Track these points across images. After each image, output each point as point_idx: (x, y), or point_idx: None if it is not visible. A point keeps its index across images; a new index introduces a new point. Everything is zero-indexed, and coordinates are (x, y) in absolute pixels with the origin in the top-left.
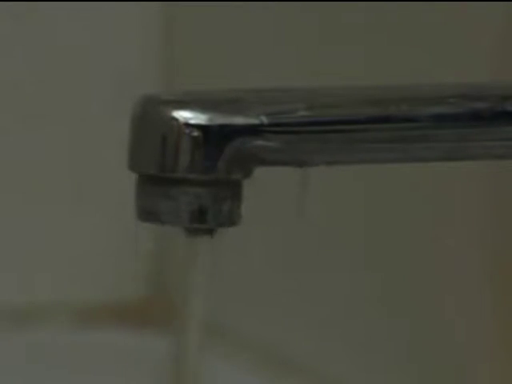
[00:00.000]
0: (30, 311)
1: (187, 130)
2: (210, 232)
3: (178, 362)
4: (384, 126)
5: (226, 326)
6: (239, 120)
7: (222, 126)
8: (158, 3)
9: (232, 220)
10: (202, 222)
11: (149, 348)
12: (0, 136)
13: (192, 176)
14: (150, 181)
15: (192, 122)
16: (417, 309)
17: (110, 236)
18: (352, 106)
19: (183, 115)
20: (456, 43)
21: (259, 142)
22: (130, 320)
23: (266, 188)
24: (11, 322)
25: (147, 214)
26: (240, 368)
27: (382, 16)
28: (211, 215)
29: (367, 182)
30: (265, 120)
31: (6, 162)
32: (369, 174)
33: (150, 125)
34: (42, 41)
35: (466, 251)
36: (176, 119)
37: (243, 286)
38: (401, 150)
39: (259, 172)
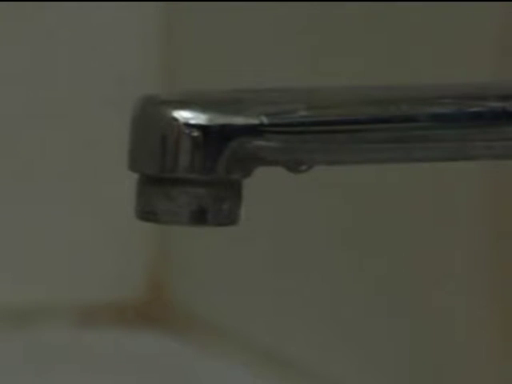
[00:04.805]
0: (29, 311)
1: (187, 130)
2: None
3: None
4: (384, 126)
5: (226, 325)
6: (239, 120)
7: (222, 126)
8: (158, 3)
9: (232, 220)
10: (202, 222)
11: (149, 348)
12: None
13: (192, 176)
14: (150, 181)
15: (192, 121)
16: (417, 309)
17: (110, 236)
18: (352, 105)
19: (183, 115)
20: (456, 43)
21: (259, 142)
22: (129, 320)
23: (266, 188)
24: (11, 321)
25: (147, 213)
26: (240, 368)
27: (382, 16)
28: (211, 215)
29: (367, 182)
30: (265, 120)
31: (4, 162)
32: (369, 174)
33: (150, 125)
34: (41, 40)
35: (467, 251)
36: (176, 119)
37: (243, 285)
38: (401, 150)
39: (259, 172)
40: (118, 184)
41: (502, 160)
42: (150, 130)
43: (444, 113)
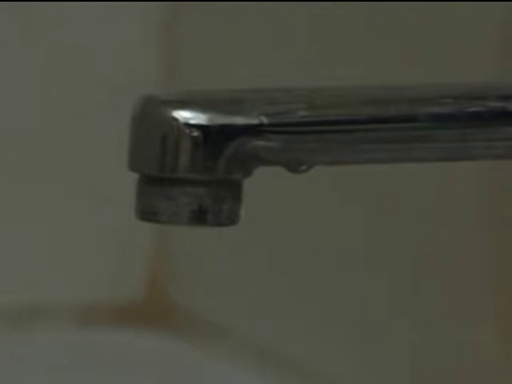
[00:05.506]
0: (30, 311)
1: (187, 130)
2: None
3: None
4: (384, 126)
5: (226, 325)
6: (239, 120)
7: (222, 126)
8: (158, 3)
9: (232, 220)
10: (202, 222)
11: (149, 348)
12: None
13: (192, 176)
14: (150, 181)
15: (192, 121)
16: (417, 309)
17: (110, 236)
18: (352, 106)
19: (183, 115)
20: (456, 43)
21: (259, 142)
22: (130, 320)
23: (266, 188)
24: (11, 321)
25: (147, 213)
26: (240, 368)
27: (383, 16)
28: (211, 215)
29: (367, 182)
30: (265, 120)
31: (5, 162)
32: (368, 174)
33: (150, 125)
34: (41, 40)
35: (467, 251)
36: (176, 119)
37: (243, 285)
38: (401, 150)
39: (259, 172)
40: (118, 184)
41: (502, 160)
42: (150, 130)
43: (444, 113)
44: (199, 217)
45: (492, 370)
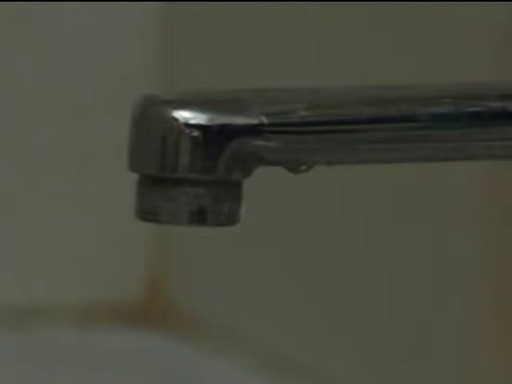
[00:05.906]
0: (29, 311)
1: (187, 130)
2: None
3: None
4: (384, 126)
5: (226, 325)
6: (239, 120)
7: (222, 126)
8: (158, 3)
9: (232, 220)
10: (202, 222)
11: (149, 348)
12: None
13: (192, 176)
14: (150, 181)
15: (192, 122)
16: (417, 309)
17: (110, 236)
18: (352, 105)
19: (183, 115)
20: (456, 43)
21: (259, 142)
22: (129, 320)
23: (266, 188)
24: (11, 321)
25: (147, 213)
26: (240, 368)
27: (383, 16)
28: (211, 215)
29: (367, 182)
30: (265, 120)
31: (4, 162)
32: (368, 174)
33: (150, 125)
34: (41, 40)
35: (466, 251)
36: (176, 119)
37: (243, 285)
38: (401, 150)
39: (259, 172)
40: (118, 184)
41: (501, 160)
42: (150, 130)
43: (444, 113)
44: (199, 217)
45: (492, 370)
